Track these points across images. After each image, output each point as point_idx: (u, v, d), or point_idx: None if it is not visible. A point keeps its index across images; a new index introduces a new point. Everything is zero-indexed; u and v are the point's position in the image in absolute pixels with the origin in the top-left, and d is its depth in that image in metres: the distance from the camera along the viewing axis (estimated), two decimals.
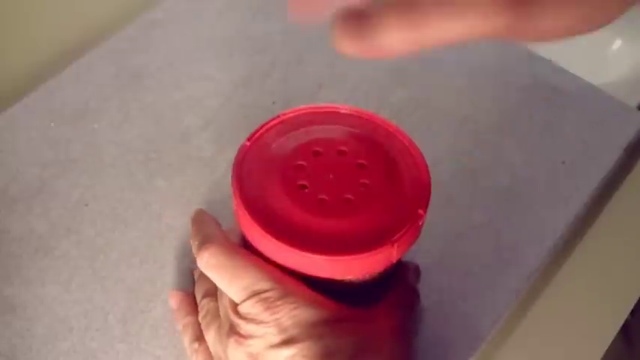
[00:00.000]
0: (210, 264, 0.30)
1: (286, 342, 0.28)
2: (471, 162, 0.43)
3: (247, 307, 0.29)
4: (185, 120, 0.46)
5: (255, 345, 0.29)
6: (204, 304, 0.34)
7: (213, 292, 0.34)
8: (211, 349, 0.33)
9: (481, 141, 0.45)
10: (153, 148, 0.44)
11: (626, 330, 0.41)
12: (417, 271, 0.36)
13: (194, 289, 0.36)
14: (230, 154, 0.31)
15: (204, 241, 0.31)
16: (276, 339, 0.28)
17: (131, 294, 0.38)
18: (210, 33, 0.51)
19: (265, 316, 0.28)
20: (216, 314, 0.32)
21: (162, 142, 0.45)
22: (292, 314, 0.28)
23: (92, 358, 0.36)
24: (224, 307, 0.31)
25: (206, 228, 0.32)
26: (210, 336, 0.32)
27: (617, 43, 0.62)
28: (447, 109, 0.46)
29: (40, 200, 0.42)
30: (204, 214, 0.34)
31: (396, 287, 0.33)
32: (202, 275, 0.35)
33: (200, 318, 0.34)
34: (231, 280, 0.30)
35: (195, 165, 0.44)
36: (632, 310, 0.39)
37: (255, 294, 0.29)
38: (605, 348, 0.38)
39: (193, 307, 0.36)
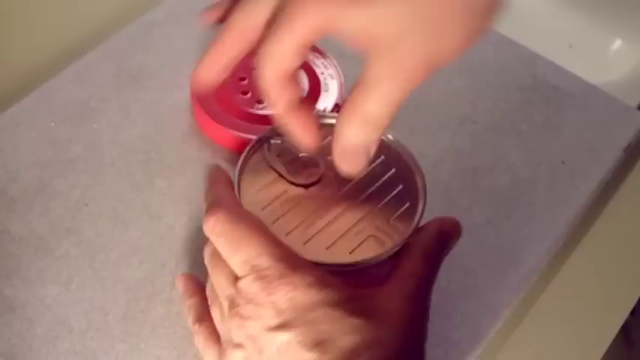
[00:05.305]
0: (216, 231, 0.29)
1: (282, 326, 0.27)
2: (470, 162, 0.43)
3: (246, 284, 0.28)
4: (185, 120, 0.46)
5: (252, 327, 0.28)
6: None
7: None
8: (218, 327, 0.31)
9: (481, 141, 0.45)
10: (153, 148, 0.44)
11: (626, 330, 0.41)
12: (442, 234, 0.32)
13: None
14: None
15: (213, 205, 0.30)
16: (273, 321, 0.27)
17: (131, 294, 0.38)
18: (210, 33, 0.51)
19: (262, 296, 0.27)
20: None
21: (162, 142, 0.45)
22: (289, 296, 0.27)
23: (92, 358, 0.36)
24: (222, 287, 0.30)
25: (218, 189, 0.31)
26: (216, 314, 0.31)
27: (617, 43, 0.62)
28: (446, 109, 0.46)
29: (40, 200, 0.42)
30: (219, 172, 0.33)
31: (409, 257, 0.31)
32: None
33: (207, 291, 0.32)
34: (234, 251, 0.29)
35: (195, 165, 0.44)
36: (632, 310, 0.39)
37: (254, 270, 0.28)
38: (605, 348, 0.38)
39: (198, 287, 0.35)
